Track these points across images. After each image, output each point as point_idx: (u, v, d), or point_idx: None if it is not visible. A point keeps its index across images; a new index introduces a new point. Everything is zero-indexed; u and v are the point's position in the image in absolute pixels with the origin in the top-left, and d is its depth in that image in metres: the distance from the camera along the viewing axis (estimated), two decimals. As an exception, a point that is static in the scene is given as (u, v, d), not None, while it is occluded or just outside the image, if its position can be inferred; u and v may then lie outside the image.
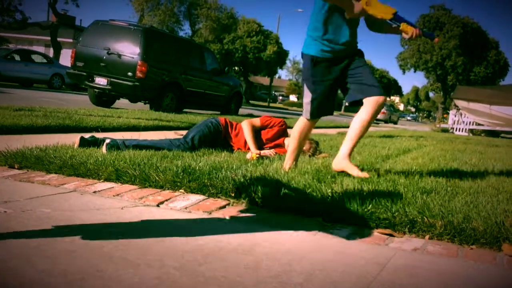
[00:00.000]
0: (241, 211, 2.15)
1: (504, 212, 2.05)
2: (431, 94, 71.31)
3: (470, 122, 17.40)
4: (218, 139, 3.76)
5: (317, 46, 2.77)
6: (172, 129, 5.77)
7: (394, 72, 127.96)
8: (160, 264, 1.42)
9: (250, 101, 36.73)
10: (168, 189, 2.42)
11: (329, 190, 2.25)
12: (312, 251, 1.69)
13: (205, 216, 2.06)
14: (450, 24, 37.69)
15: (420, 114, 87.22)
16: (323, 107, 2.87)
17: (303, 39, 2.88)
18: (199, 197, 2.33)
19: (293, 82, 53.11)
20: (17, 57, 16.65)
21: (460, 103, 16.80)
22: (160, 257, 1.47)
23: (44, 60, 17.60)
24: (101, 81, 9.07)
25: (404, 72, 47.85)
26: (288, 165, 2.98)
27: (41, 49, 27.69)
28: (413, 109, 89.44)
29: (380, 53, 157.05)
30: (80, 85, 11.40)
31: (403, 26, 2.70)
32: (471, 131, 17.36)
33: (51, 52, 26.49)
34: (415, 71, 40.85)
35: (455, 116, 17.87)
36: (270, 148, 3.77)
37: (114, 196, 2.26)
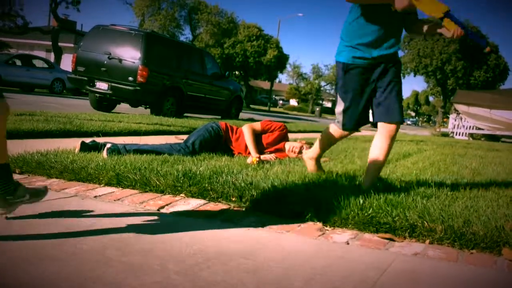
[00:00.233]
0: (242, 216, 2.15)
1: (504, 217, 2.06)
2: (431, 99, 71.29)
3: (470, 127, 17.38)
4: (219, 143, 3.76)
5: (348, 52, 2.60)
6: (173, 134, 5.77)
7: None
8: (161, 268, 1.42)
9: (251, 106, 36.76)
10: (169, 193, 2.42)
11: (330, 195, 2.25)
12: (313, 255, 1.70)
13: (206, 220, 2.06)
14: (450, 28, 37.69)
15: (420, 119, 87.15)
16: (355, 117, 2.67)
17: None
18: (200, 201, 2.34)
19: (293, 87, 53.08)
20: (18, 62, 16.67)
21: (460, 107, 16.81)
22: (161, 261, 1.48)
23: (45, 65, 17.62)
24: (102, 85, 9.08)
25: (404, 77, 47.89)
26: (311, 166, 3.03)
27: (42, 54, 27.67)
28: (413, 114, 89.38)
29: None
30: (81, 90, 11.44)
31: (445, 21, 2.38)
32: (471, 135, 17.35)
33: (52, 57, 26.54)
34: (415, 76, 40.91)
35: (455, 120, 17.85)
36: (271, 152, 3.78)
37: (115, 200, 2.26)
